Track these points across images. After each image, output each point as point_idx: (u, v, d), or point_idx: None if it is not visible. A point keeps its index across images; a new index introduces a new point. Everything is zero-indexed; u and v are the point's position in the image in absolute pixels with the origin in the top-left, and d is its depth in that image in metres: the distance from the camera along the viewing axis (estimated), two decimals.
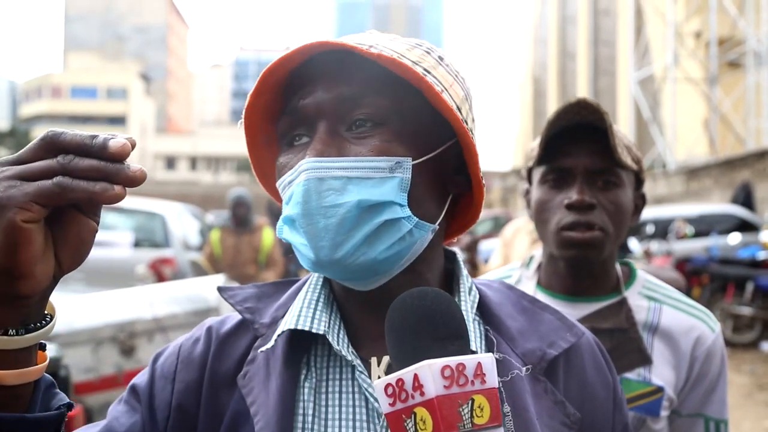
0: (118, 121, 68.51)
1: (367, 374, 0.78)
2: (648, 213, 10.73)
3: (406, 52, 0.79)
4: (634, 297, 1.36)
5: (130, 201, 8.02)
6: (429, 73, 0.79)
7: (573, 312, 1.32)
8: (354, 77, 0.77)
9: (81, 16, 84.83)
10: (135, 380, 0.86)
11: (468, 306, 0.82)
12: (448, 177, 0.83)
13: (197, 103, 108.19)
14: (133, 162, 0.59)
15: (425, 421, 0.62)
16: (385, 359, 0.79)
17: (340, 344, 0.79)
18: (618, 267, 1.40)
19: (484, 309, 0.85)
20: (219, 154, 72.44)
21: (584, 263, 1.32)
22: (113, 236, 7.02)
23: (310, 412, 0.78)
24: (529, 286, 1.41)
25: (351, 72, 0.78)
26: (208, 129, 79.88)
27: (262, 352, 0.81)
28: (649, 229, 10.05)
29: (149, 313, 3.90)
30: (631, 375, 1.28)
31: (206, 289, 4.16)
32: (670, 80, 20.09)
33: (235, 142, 71.18)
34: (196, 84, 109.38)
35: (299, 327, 0.79)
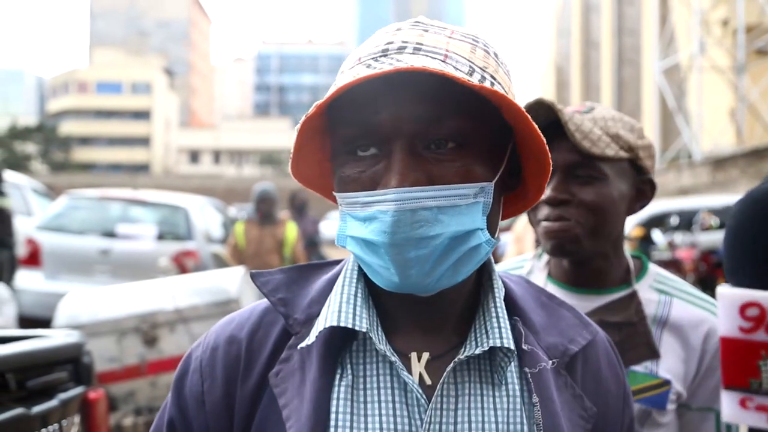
0: (142, 115, 69.08)
1: (407, 371, 0.78)
2: (673, 204, 10.59)
3: (473, 56, 0.77)
4: (644, 290, 1.35)
5: (154, 195, 8.14)
6: (495, 80, 0.77)
7: (583, 304, 1.32)
8: (433, 94, 0.73)
9: (105, 12, 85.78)
10: (168, 416, 0.85)
11: (498, 299, 0.83)
12: (506, 182, 0.82)
13: (220, 97, 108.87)
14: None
15: None
16: (425, 355, 0.80)
17: (381, 342, 0.78)
18: (630, 260, 1.38)
19: (509, 301, 0.86)
20: (242, 147, 72.83)
21: (569, 255, 1.31)
22: (138, 229, 7.13)
23: (348, 410, 0.77)
24: (540, 277, 1.42)
25: (429, 88, 0.73)
26: (231, 123, 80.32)
27: (296, 350, 0.80)
28: (674, 220, 9.93)
29: (171, 305, 3.98)
30: (637, 367, 1.27)
31: (227, 281, 4.23)
32: (696, 69, 19.70)
33: (257, 135, 71.56)
34: (219, 78, 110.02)
35: (341, 324, 0.77)
